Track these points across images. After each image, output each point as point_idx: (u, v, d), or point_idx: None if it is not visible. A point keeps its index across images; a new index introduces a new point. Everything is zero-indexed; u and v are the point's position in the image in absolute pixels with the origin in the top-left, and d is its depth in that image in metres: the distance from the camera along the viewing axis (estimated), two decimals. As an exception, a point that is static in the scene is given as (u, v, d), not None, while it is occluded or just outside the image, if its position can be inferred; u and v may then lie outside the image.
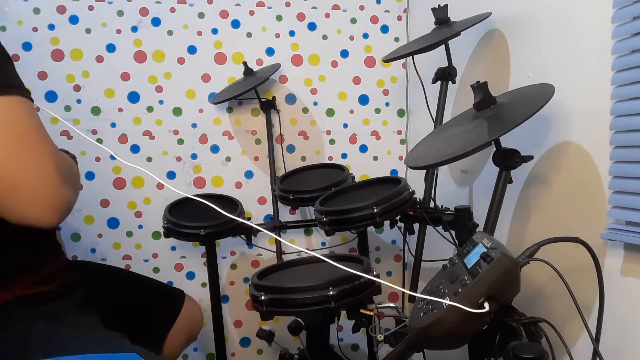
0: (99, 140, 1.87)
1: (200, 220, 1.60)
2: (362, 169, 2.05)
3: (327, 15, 2.03)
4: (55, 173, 0.76)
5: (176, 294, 1.42)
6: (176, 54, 1.92)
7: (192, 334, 1.42)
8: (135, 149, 1.91)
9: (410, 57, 1.65)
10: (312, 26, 2.02)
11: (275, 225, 1.81)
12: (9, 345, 0.83)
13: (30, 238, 0.93)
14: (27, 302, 0.89)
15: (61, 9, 1.83)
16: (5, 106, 0.74)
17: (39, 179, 0.75)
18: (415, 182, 1.57)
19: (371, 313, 1.15)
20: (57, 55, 1.84)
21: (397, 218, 1.43)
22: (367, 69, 2.07)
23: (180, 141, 1.94)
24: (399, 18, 2.08)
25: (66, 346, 0.83)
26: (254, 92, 1.88)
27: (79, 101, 1.86)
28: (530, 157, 1.09)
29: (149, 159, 1.92)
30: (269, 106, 1.93)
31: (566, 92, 1.13)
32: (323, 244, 2.08)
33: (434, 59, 1.62)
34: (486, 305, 0.80)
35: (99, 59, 1.86)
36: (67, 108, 1.85)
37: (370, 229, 1.86)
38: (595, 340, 0.93)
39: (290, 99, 2.03)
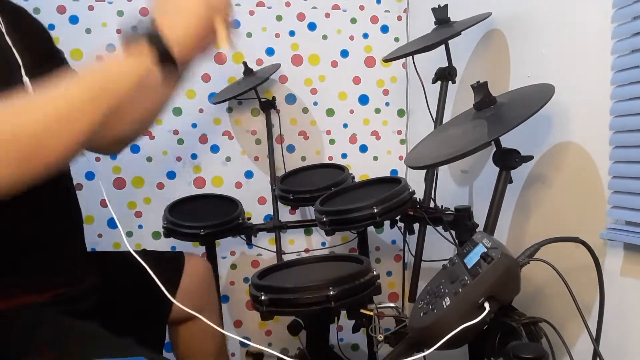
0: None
1: (200, 220, 1.60)
2: (362, 169, 2.05)
3: (327, 15, 2.03)
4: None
5: (174, 259, 1.25)
6: (176, 54, 1.92)
7: (205, 287, 1.28)
8: (135, 149, 1.91)
9: (410, 57, 1.65)
10: (312, 26, 2.02)
11: (275, 225, 1.81)
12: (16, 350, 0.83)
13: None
14: (35, 306, 0.89)
15: (61, 9, 1.83)
16: None
17: None
18: (415, 182, 1.57)
19: (371, 313, 1.14)
20: (57, 55, 1.83)
21: (397, 218, 1.43)
22: (367, 69, 2.07)
23: (180, 141, 1.94)
24: (399, 18, 2.08)
25: (73, 353, 0.82)
26: (254, 92, 1.87)
27: (79, 101, 1.85)
28: (530, 157, 1.09)
29: (149, 159, 1.92)
30: (269, 106, 1.93)
31: (566, 92, 1.13)
32: (323, 244, 2.08)
33: (434, 59, 1.62)
34: (486, 305, 0.80)
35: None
36: (67, 108, 1.84)
37: (370, 229, 1.85)
38: (595, 340, 0.93)
39: (290, 99, 2.03)
